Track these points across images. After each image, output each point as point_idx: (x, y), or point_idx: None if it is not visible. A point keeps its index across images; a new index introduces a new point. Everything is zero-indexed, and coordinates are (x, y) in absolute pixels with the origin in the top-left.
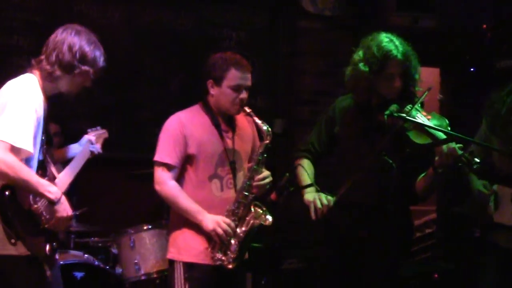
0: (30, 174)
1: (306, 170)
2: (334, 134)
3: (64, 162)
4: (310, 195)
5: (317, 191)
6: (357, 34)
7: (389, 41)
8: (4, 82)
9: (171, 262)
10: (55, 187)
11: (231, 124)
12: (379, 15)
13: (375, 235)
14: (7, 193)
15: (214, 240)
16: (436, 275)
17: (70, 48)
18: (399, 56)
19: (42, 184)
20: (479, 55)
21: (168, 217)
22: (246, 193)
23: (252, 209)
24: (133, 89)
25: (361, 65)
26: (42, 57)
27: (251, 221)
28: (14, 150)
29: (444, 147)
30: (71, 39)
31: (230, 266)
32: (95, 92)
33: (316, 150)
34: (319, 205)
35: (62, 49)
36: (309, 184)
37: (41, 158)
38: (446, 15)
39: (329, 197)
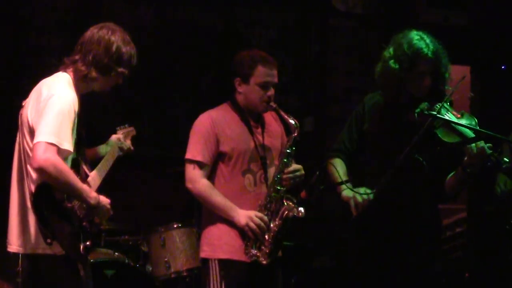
0: (75, 180)
1: (337, 168)
2: (363, 131)
3: (92, 163)
4: (348, 191)
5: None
6: (388, 31)
7: (420, 39)
8: (36, 82)
9: (205, 261)
10: (94, 193)
11: (260, 121)
12: (410, 12)
13: (406, 234)
14: (43, 193)
15: (248, 235)
16: (467, 274)
17: (108, 49)
18: (430, 54)
19: (85, 190)
20: (510, 53)
21: (198, 216)
22: (278, 187)
23: (285, 202)
24: (164, 87)
25: (391, 62)
26: (77, 57)
27: (284, 214)
28: (59, 151)
29: (473, 146)
30: (107, 40)
31: (265, 262)
32: (126, 91)
33: (347, 148)
34: (359, 199)
35: (99, 51)
36: (344, 180)
37: (74, 156)
38: (477, 12)
39: (368, 190)
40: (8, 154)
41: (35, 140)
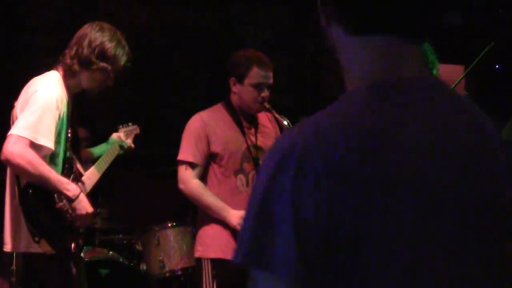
0: (49, 171)
1: None
2: None
3: (92, 161)
4: None
5: None
6: None
7: None
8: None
9: (199, 261)
10: (74, 185)
11: (254, 121)
12: None
13: None
14: (30, 191)
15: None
16: None
17: (90, 43)
18: None
19: (61, 181)
20: (505, 52)
21: (193, 215)
22: None
23: None
24: (160, 88)
25: None
26: (66, 51)
27: None
28: (35, 146)
29: None
30: (93, 35)
31: None
32: (122, 91)
33: None
34: None
35: (82, 44)
36: None
37: (67, 155)
38: (471, 11)
39: None
40: None
41: (8, 133)
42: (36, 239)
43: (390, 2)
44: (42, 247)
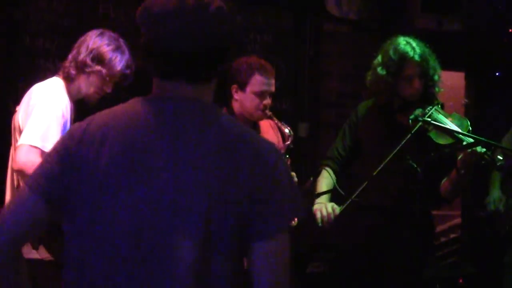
0: None
1: (322, 180)
2: (357, 138)
3: None
4: (317, 205)
5: (332, 197)
6: (382, 36)
7: (406, 44)
8: (31, 85)
9: None
10: None
11: (255, 129)
12: (404, 17)
13: (397, 238)
14: None
15: None
16: (461, 280)
17: (88, 47)
18: (416, 57)
19: None
20: (505, 59)
21: None
22: None
23: None
24: None
25: (379, 69)
26: (67, 57)
27: None
28: (43, 154)
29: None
30: (91, 40)
31: None
32: (122, 95)
33: (340, 155)
34: (324, 213)
35: (81, 49)
36: (325, 191)
37: None
38: (471, 18)
39: (335, 206)
40: (4, 159)
41: (19, 143)
42: (35, 245)
43: (166, 66)
44: (41, 254)
